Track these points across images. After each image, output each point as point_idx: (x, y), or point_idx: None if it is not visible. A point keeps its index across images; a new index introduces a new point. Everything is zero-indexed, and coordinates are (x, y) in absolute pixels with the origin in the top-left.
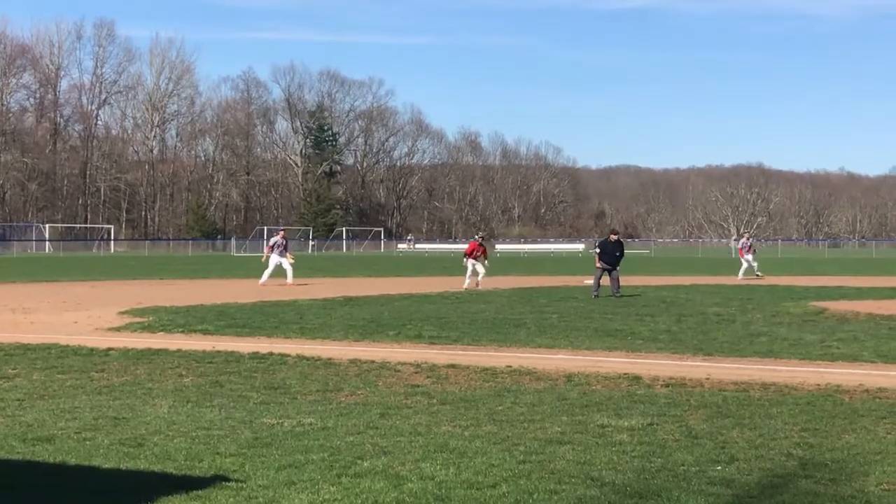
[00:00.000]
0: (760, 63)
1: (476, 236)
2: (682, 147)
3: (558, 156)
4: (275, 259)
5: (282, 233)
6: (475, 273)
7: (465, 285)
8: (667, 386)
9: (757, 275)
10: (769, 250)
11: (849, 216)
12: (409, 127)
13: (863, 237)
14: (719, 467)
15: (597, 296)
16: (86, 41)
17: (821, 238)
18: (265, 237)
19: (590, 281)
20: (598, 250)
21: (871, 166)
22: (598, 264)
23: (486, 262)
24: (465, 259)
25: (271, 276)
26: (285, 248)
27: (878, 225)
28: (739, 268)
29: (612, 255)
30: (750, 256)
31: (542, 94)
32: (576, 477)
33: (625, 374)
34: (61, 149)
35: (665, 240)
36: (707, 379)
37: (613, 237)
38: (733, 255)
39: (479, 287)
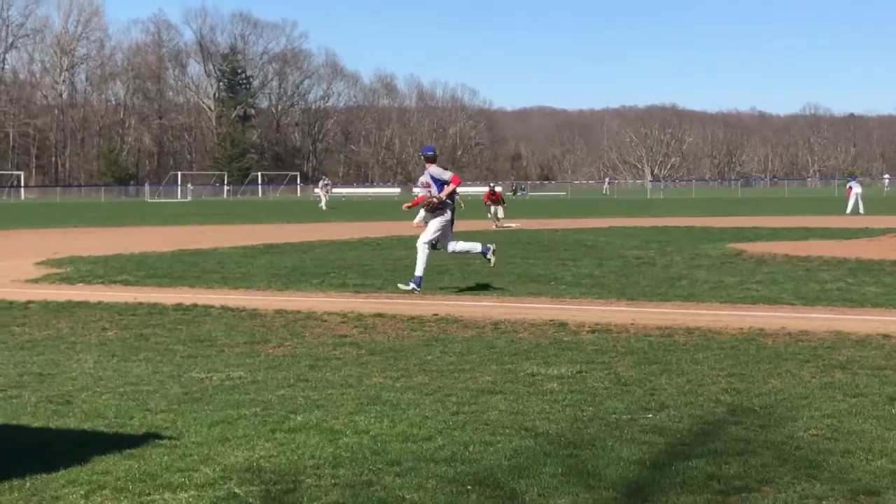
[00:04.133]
0: (672, 2)
1: (488, 186)
2: (596, 88)
3: (474, 98)
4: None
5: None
6: (496, 216)
7: (496, 225)
8: (593, 332)
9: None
10: (683, 191)
11: (760, 156)
12: (324, 70)
13: (774, 177)
14: (650, 415)
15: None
16: None
17: (733, 178)
18: (178, 182)
19: (510, 224)
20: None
21: (781, 106)
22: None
23: (502, 205)
24: (485, 205)
25: None
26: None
27: (788, 164)
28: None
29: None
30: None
31: (458, 35)
32: (510, 428)
33: (551, 320)
34: None
35: (580, 181)
36: (632, 324)
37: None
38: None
39: (502, 227)
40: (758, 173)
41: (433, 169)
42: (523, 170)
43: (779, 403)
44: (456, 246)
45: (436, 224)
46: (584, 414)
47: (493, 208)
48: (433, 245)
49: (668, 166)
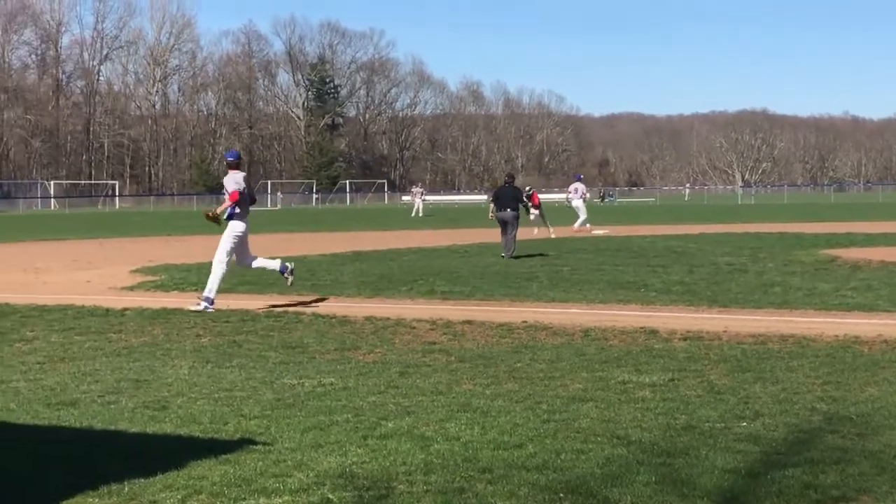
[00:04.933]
0: (764, 7)
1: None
2: (685, 93)
3: (561, 104)
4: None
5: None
6: (542, 222)
7: (552, 231)
8: (685, 339)
9: None
10: (774, 196)
11: (853, 160)
12: (411, 78)
13: (868, 181)
14: (744, 423)
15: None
16: None
17: (826, 183)
18: (268, 191)
19: (599, 231)
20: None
21: (875, 110)
22: (490, 215)
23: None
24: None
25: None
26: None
27: (882, 168)
28: None
29: (509, 203)
30: None
31: (545, 42)
32: (601, 435)
33: (641, 327)
34: (64, 105)
35: (670, 187)
36: (724, 332)
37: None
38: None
39: (579, 230)
40: (851, 178)
41: (227, 178)
42: (611, 176)
43: (876, 412)
44: (253, 262)
45: (227, 239)
46: (677, 422)
47: (532, 214)
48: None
49: (759, 171)
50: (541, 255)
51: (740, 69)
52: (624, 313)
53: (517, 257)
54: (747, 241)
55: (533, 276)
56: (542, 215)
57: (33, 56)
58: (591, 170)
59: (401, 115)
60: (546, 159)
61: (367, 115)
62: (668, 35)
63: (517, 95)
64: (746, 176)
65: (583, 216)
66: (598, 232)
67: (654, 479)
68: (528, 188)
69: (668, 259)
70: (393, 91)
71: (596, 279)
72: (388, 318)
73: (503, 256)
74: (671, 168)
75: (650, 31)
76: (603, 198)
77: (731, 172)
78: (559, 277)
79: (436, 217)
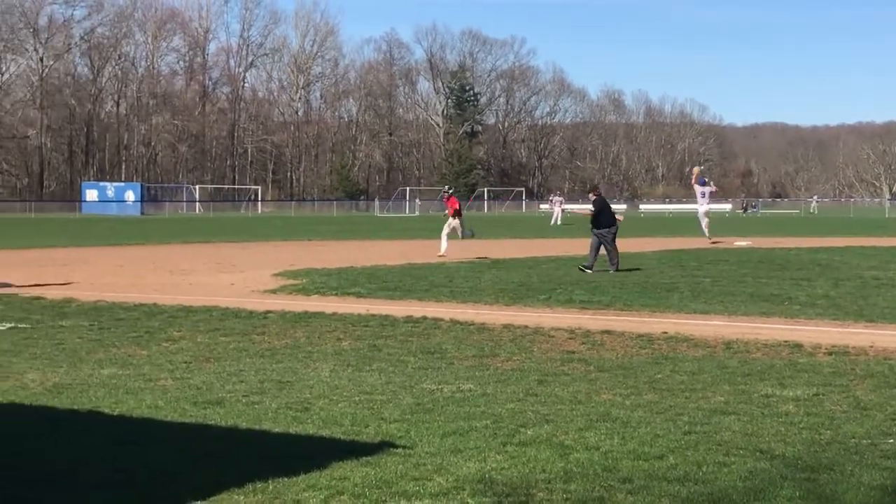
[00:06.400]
0: None
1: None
2: (831, 103)
3: (703, 113)
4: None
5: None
6: (457, 231)
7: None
8: (830, 354)
9: None
10: None
11: None
12: (551, 86)
13: None
14: (892, 440)
15: (586, 268)
16: (233, 4)
17: None
18: (406, 197)
19: (741, 243)
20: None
21: None
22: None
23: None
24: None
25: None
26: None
27: None
28: None
29: (610, 217)
30: None
31: (687, 50)
32: (744, 449)
33: (785, 341)
34: (210, 111)
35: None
36: (871, 347)
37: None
38: None
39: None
40: None
41: None
42: (754, 187)
43: None
44: None
45: None
46: (822, 437)
47: (451, 223)
48: None
49: None
50: (680, 265)
51: (889, 80)
52: (767, 326)
53: (585, 269)
54: (895, 254)
55: (673, 286)
56: (460, 225)
57: (181, 63)
58: (733, 180)
59: (540, 123)
60: (687, 169)
61: (507, 123)
62: (812, 44)
63: (659, 104)
64: (895, 189)
65: (706, 221)
66: (741, 243)
67: (798, 494)
68: (446, 188)
69: (812, 272)
70: (533, 99)
71: (738, 291)
72: (526, 326)
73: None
74: (816, 180)
75: (795, 40)
76: (746, 209)
77: (878, 185)
78: (700, 289)
79: (574, 226)
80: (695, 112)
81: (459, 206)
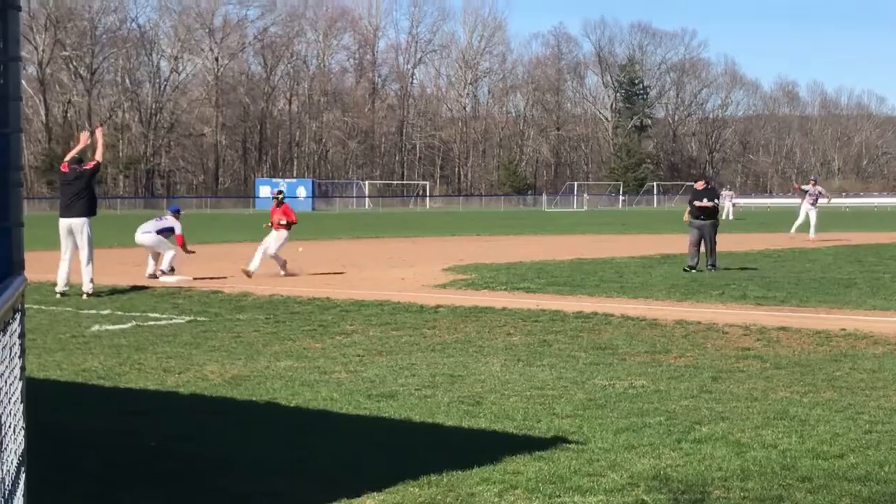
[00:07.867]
0: None
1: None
2: None
3: (882, 105)
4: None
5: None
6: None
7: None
8: None
9: None
10: None
11: None
12: (723, 78)
13: None
14: None
15: (691, 268)
16: (402, 1)
17: None
18: (574, 192)
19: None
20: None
21: None
22: (686, 217)
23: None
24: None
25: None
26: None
27: None
28: None
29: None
30: None
31: (866, 40)
32: None
33: None
34: (379, 107)
35: None
36: None
37: (700, 184)
38: None
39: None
40: None
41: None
42: None
43: None
44: None
45: None
46: None
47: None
48: None
49: None
50: (858, 260)
51: None
52: None
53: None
54: None
55: (852, 282)
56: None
57: (351, 60)
58: None
59: (711, 116)
60: (864, 163)
61: (677, 117)
62: None
63: (835, 96)
64: None
65: (800, 221)
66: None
67: None
68: (277, 190)
69: None
70: (704, 92)
71: None
72: (699, 322)
73: (690, 268)
74: None
75: None
76: None
77: None
78: (880, 284)
79: (747, 220)
80: (872, 104)
81: (294, 217)
